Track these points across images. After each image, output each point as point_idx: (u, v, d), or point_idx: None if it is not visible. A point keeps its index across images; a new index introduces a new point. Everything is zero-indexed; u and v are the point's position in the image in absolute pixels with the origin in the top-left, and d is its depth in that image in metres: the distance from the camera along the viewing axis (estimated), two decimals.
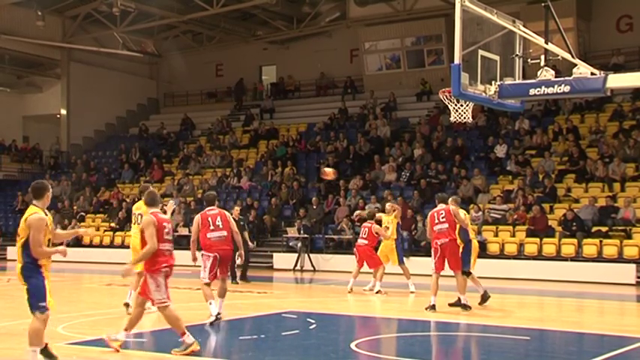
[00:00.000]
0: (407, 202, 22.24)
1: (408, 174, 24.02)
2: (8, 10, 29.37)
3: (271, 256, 22.55)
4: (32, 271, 7.07)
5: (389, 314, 11.83)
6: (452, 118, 10.51)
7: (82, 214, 28.07)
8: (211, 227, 10.28)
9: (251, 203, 24.38)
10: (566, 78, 9.00)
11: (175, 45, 34.15)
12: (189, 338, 7.95)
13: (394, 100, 28.82)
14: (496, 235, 20.44)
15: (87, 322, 9.85)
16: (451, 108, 10.26)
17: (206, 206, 10.73)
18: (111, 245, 25.67)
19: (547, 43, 9.27)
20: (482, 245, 20.01)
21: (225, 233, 10.28)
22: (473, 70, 9.11)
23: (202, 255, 10.38)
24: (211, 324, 10.05)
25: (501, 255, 19.84)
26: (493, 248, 20.03)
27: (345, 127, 28.39)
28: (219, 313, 10.23)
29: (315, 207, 23.48)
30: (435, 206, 12.40)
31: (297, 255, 21.76)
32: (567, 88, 8.95)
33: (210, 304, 10.21)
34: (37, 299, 7.02)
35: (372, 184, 24.17)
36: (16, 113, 34.87)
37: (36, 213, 7.09)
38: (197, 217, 10.62)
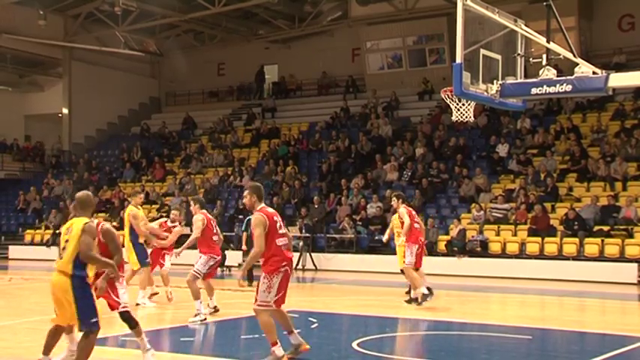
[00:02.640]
0: (409, 202, 22.20)
1: (409, 173, 24.00)
2: (10, 9, 29.37)
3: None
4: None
5: (391, 313, 11.82)
6: (454, 118, 10.48)
7: None
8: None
9: None
10: (568, 77, 8.99)
11: (177, 44, 34.15)
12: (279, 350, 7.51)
13: (396, 99, 28.80)
14: (498, 235, 20.43)
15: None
16: (453, 107, 10.24)
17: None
18: None
19: (549, 42, 9.26)
20: (484, 244, 20.05)
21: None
22: (474, 70, 9.10)
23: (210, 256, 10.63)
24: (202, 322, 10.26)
25: (503, 254, 19.83)
26: (495, 247, 20.01)
27: (347, 127, 28.38)
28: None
29: (316, 206, 23.48)
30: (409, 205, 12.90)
31: (298, 254, 21.75)
32: (569, 88, 8.94)
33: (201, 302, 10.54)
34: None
35: (373, 184, 24.16)
36: (18, 112, 34.88)
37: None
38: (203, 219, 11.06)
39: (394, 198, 13.04)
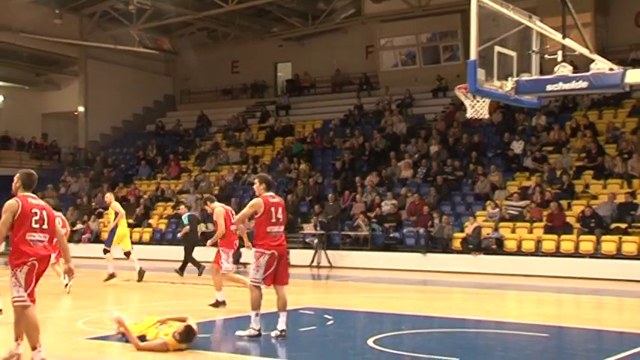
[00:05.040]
0: (423, 199, 22.19)
1: (424, 170, 23.95)
2: (26, 8, 29.59)
3: (288, 253, 22.53)
4: None
5: (407, 310, 11.83)
6: (468, 115, 10.45)
7: (100, 210, 28.25)
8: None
9: None
10: (584, 73, 8.94)
11: (191, 42, 34.25)
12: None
13: (410, 96, 28.74)
14: (513, 232, 20.33)
15: (106, 318, 9.91)
16: (467, 104, 10.20)
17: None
18: None
19: (564, 39, 9.22)
20: (500, 242, 19.98)
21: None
22: (489, 67, 9.07)
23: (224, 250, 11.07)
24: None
25: (519, 252, 19.73)
26: (510, 245, 19.93)
27: (361, 124, 28.36)
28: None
29: (331, 203, 23.48)
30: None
31: (313, 251, 21.78)
32: (585, 84, 8.89)
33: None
34: None
35: (388, 181, 24.13)
36: (35, 110, 35.15)
37: None
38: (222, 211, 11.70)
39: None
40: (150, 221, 26.76)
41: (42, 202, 7.19)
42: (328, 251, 21.76)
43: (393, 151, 25.31)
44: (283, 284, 8.89)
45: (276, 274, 8.77)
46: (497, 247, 19.94)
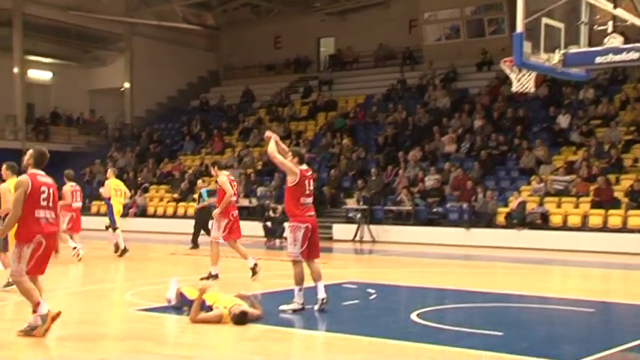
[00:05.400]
0: (467, 174, 22.01)
1: (468, 145, 23.73)
2: None
3: (331, 227, 22.66)
4: None
5: (450, 285, 11.79)
6: (513, 89, 10.24)
7: (146, 185, 28.72)
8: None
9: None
10: (636, 45, 8.69)
11: (234, 17, 34.31)
12: None
13: (454, 70, 28.40)
14: (559, 207, 20.06)
15: (153, 290, 10.13)
16: (513, 78, 10.02)
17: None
18: (174, 216, 26.27)
19: (615, 9, 8.96)
20: (545, 217, 19.73)
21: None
22: (536, 39, 8.87)
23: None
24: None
25: (564, 227, 19.46)
26: (556, 220, 19.68)
27: (404, 98, 28.16)
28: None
29: (374, 178, 23.45)
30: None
31: (356, 226, 21.82)
32: (636, 55, 8.64)
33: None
34: None
35: (431, 156, 23.97)
36: (83, 87, 35.78)
37: None
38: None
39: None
40: (194, 196, 27.01)
41: (49, 180, 7.36)
42: (371, 226, 21.76)
43: (436, 125, 25.10)
44: (315, 257, 8.95)
45: (310, 247, 8.82)
46: (542, 222, 19.70)
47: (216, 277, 11.60)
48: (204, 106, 34.09)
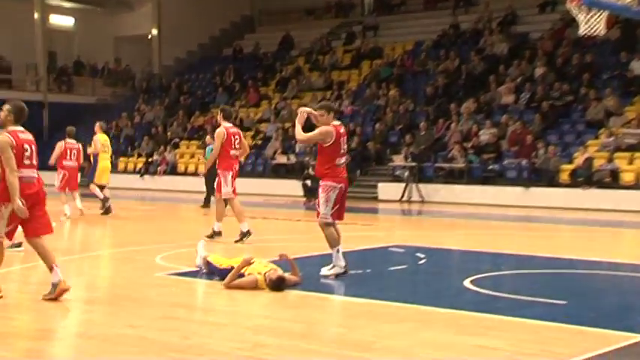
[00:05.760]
0: (527, 127, 21.73)
1: (527, 96, 23.41)
2: None
3: (376, 187, 22.65)
4: None
5: (506, 249, 11.69)
6: (581, 32, 10.01)
7: (176, 140, 28.92)
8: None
9: (354, 129, 24.36)
10: None
11: None
12: None
13: (512, 12, 27.91)
14: (631, 163, 19.83)
15: (184, 254, 10.22)
16: (580, 19, 9.76)
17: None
18: None
19: None
20: (615, 174, 19.40)
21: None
22: None
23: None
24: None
25: (637, 185, 19.20)
26: (627, 177, 19.42)
27: (457, 45, 27.80)
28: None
29: (423, 133, 23.29)
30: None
31: (404, 185, 21.75)
32: None
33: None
34: None
35: (486, 107, 23.71)
36: (108, 34, 35.99)
37: None
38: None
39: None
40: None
41: (30, 137, 7.43)
42: (420, 185, 21.70)
43: (492, 74, 24.77)
44: (340, 219, 8.92)
45: (339, 209, 8.80)
46: (612, 180, 19.43)
47: (219, 234, 11.91)
48: (238, 54, 34.03)
